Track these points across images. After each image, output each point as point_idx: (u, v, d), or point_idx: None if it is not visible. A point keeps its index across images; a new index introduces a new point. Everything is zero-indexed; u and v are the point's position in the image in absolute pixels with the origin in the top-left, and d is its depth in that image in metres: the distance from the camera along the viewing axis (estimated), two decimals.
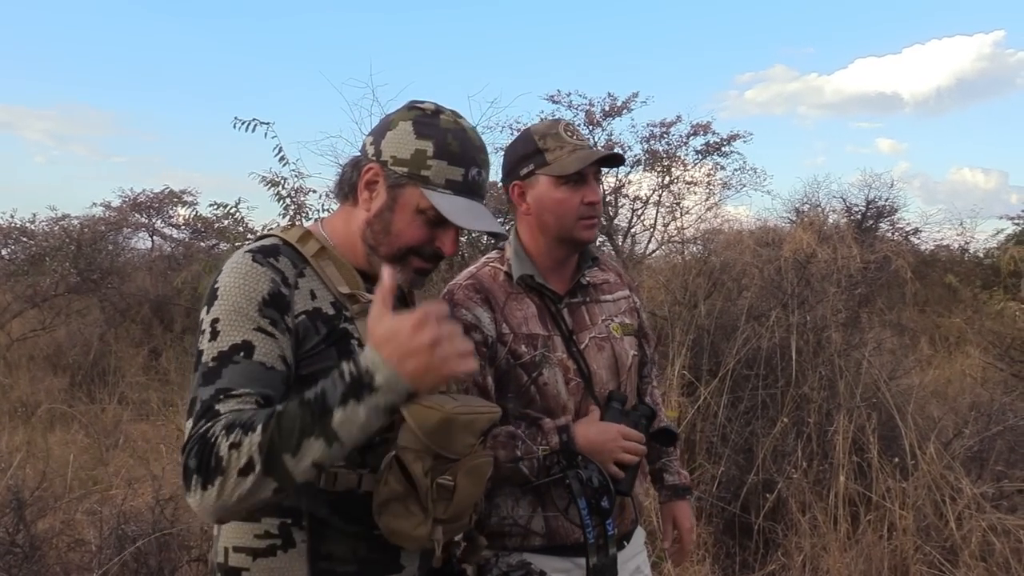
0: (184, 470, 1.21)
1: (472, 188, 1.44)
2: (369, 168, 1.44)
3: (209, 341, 1.30)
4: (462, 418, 1.30)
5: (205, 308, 1.34)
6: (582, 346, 1.91)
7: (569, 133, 1.90)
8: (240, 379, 1.27)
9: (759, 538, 4.09)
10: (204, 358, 1.29)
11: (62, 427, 6.55)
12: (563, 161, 1.86)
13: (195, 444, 1.20)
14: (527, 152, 1.90)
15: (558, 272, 1.95)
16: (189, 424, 1.26)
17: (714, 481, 4.26)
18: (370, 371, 1.16)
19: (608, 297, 2.04)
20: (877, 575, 3.67)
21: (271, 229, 1.50)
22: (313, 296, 1.39)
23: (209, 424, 1.21)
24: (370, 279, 1.45)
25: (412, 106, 1.46)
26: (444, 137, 1.42)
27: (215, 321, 1.31)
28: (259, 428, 1.16)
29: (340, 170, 1.52)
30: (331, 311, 1.40)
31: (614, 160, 1.95)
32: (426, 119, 1.43)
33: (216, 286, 1.34)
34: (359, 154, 1.49)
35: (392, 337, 1.16)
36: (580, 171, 1.86)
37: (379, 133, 1.46)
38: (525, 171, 1.90)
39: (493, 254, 1.98)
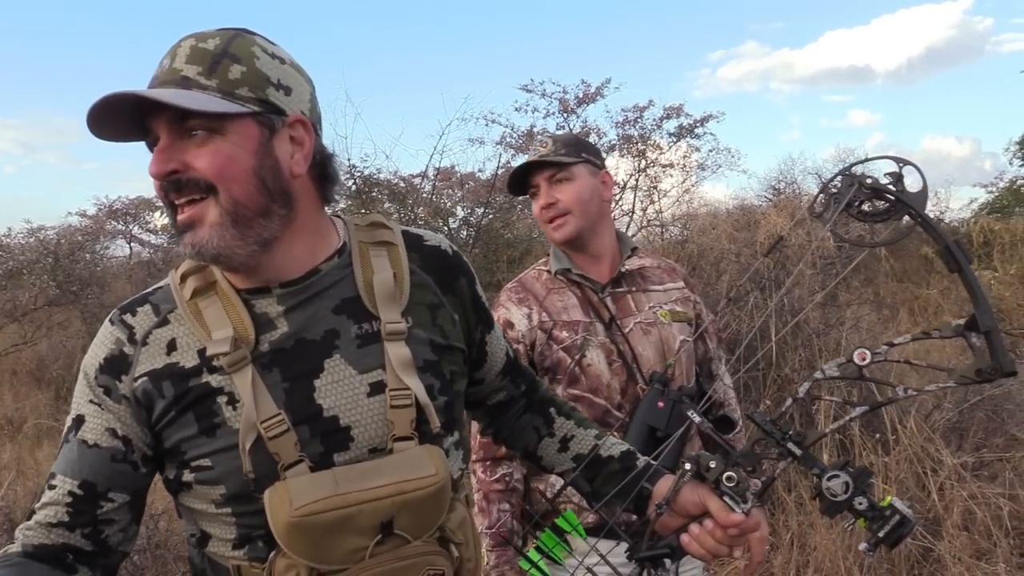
0: None
1: (158, 81, 1.07)
2: None
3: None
4: (321, 519, 1.00)
5: None
6: (626, 330, 2.03)
7: (531, 153, 2.11)
8: (63, 464, 1.11)
9: None
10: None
11: (50, 442, 6.53)
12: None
13: None
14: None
15: (595, 263, 2.11)
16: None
17: None
18: None
19: (657, 287, 2.15)
20: None
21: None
22: (171, 349, 1.11)
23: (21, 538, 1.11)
24: (268, 291, 1.14)
25: None
26: None
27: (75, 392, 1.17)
28: None
29: None
30: (191, 363, 1.10)
31: (551, 164, 2.06)
32: None
33: None
34: None
35: None
36: (533, 184, 2.09)
37: None
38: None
39: (543, 259, 2.18)
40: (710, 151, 11.93)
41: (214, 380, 1.09)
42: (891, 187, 1.19)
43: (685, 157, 11.66)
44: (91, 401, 1.12)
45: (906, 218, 1.22)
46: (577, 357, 1.99)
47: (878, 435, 4.11)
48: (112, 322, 1.15)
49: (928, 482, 3.94)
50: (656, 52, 29.39)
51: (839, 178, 1.22)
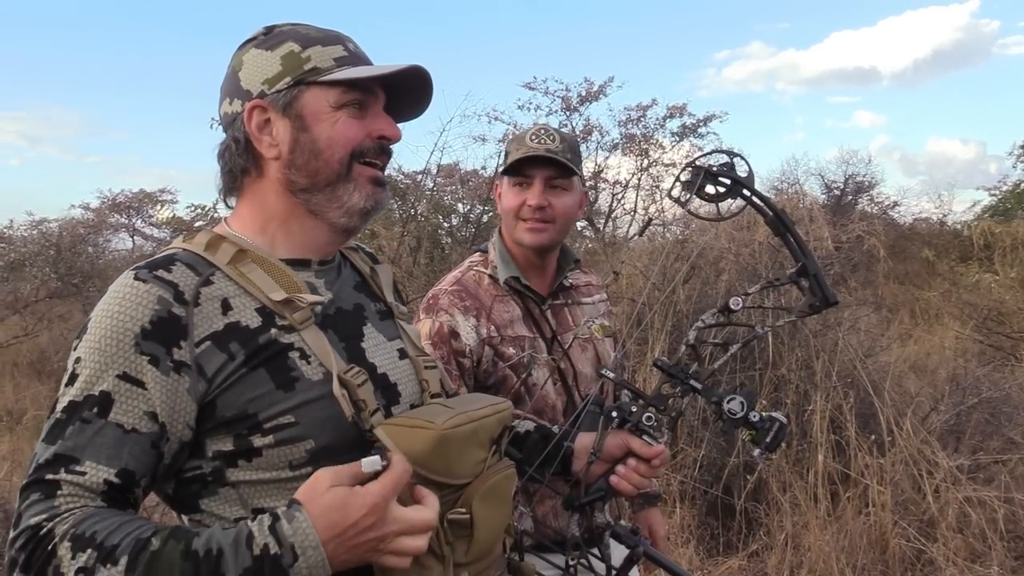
0: (9, 564, 0.96)
1: (363, 60, 1.19)
2: (250, 111, 1.15)
3: (66, 385, 1.02)
4: (460, 431, 1.07)
5: (75, 342, 1.06)
6: (567, 346, 1.92)
7: (534, 138, 1.89)
8: (88, 446, 0.98)
9: (742, 519, 4.16)
10: (57, 406, 1.02)
11: None
12: (510, 159, 1.90)
13: (27, 538, 0.94)
14: (502, 153, 2.02)
15: (539, 273, 1.96)
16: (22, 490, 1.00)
17: (696, 464, 4.32)
18: (294, 552, 0.93)
19: (588, 300, 2.07)
20: (857, 550, 3.74)
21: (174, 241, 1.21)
22: (226, 308, 1.07)
23: (46, 516, 0.94)
24: (308, 264, 1.20)
25: (242, 44, 1.21)
26: (297, 31, 1.18)
27: (77, 361, 1.03)
28: (122, 564, 0.91)
29: (218, 167, 1.22)
30: (255, 322, 1.08)
31: (559, 164, 1.87)
32: (265, 36, 1.19)
33: (90, 315, 1.06)
34: (223, 135, 1.21)
35: (339, 520, 0.94)
36: (528, 174, 1.88)
37: (229, 85, 1.19)
38: (499, 172, 2.00)
39: (476, 257, 1.99)
40: (713, 151, 11.93)
41: (283, 337, 1.09)
42: (727, 172, 1.44)
43: (687, 157, 11.65)
44: (123, 376, 1.00)
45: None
46: (523, 376, 1.85)
47: (873, 436, 4.11)
48: (142, 279, 1.04)
49: (924, 484, 3.94)
50: (660, 51, 29.40)
51: (688, 169, 1.47)
